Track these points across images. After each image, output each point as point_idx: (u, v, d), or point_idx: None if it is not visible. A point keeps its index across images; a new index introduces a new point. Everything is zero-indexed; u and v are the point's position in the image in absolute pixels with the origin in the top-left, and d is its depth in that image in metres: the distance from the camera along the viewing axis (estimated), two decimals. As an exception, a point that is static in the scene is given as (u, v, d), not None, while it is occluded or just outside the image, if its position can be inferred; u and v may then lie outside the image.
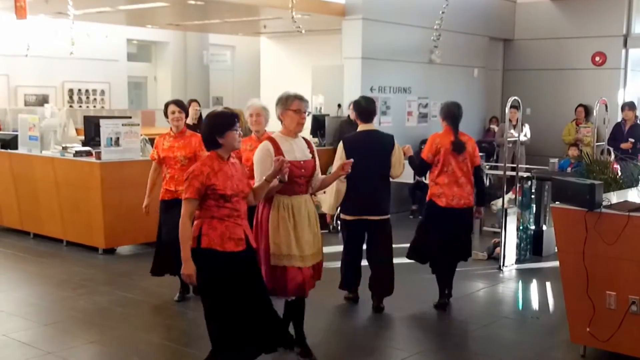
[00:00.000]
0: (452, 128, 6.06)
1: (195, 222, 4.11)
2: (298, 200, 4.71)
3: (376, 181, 5.90)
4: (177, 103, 6.31)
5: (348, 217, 6.01)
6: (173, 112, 6.18)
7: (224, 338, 4.16)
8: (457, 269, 6.34)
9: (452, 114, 6.10)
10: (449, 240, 6.10)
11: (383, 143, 5.94)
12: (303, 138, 4.93)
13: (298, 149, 4.78)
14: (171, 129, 6.24)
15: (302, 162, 4.73)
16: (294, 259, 4.66)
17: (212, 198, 4.07)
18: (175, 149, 6.13)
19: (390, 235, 6.04)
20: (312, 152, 4.90)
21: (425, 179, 9.05)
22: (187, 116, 6.42)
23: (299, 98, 4.80)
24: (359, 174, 5.68)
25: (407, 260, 6.43)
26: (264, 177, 4.40)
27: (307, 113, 4.86)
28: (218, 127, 4.14)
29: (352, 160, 4.84)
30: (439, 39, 10.98)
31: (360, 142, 5.92)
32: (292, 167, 4.54)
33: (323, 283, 6.97)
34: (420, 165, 6.21)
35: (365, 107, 6.00)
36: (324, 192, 9.78)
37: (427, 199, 6.19)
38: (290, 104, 4.77)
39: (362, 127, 5.99)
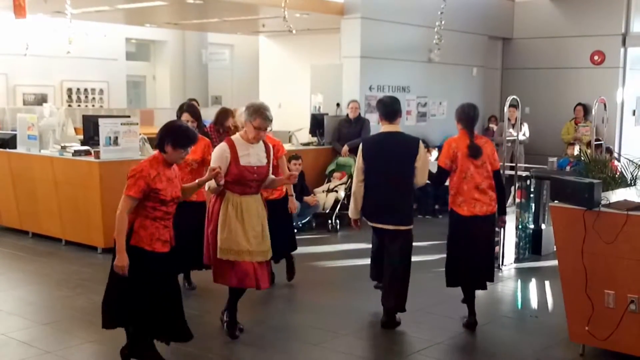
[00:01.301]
0: (468, 131, 5.67)
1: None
2: (247, 200, 5.12)
3: (394, 188, 5.51)
4: (191, 111, 6.26)
5: (369, 223, 5.69)
6: (186, 121, 6.01)
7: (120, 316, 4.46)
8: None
9: (467, 116, 5.68)
10: (473, 253, 5.65)
11: (406, 147, 5.53)
12: (264, 142, 5.26)
13: (254, 154, 5.15)
14: None
15: (255, 168, 5.12)
16: (241, 254, 5.04)
17: (151, 200, 4.31)
18: None
19: (405, 248, 5.59)
20: (268, 157, 5.24)
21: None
22: (199, 120, 6.37)
23: (264, 117, 5.09)
24: (376, 179, 5.54)
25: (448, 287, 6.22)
26: (197, 180, 4.88)
27: (268, 130, 5.23)
28: (177, 141, 4.37)
29: (296, 174, 5.31)
30: (441, 41, 10.92)
31: (380, 144, 5.59)
32: (244, 171, 5.06)
33: (322, 283, 7.02)
34: (438, 173, 5.74)
35: (389, 106, 5.62)
36: (323, 192, 9.85)
37: (449, 208, 5.77)
38: (254, 120, 5.09)
39: (385, 128, 5.61)
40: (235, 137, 5.21)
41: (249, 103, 5.21)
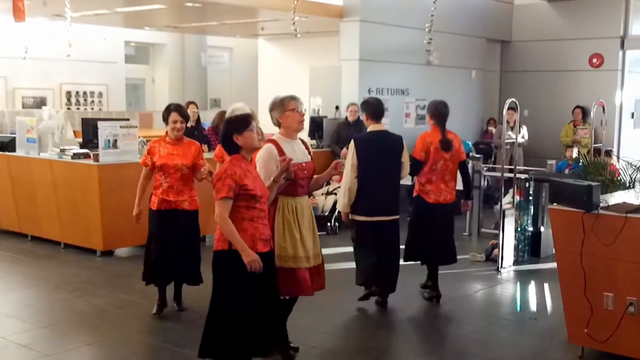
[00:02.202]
0: (440, 127, 6.17)
1: None
2: (301, 202, 4.78)
3: (387, 181, 5.91)
4: (180, 112, 5.84)
5: (359, 218, 5.93)
6: (175, 122, 5.78)
7: (229, 342, 4.13)
8: (456, 270, 6.34)
9: (439, 112, 6.23)
10: (436, 237, 6.23)
11: (394, 143, 5.97)
12: (299, 139, 4.99)
13: (299, 151, 4.84)
14: (167, 133, 5.88)
15: (304, 164, 4.80)
16: (300, 260, 4.72)
17: (242, 199, 4.10)
18: (175, 156, 5.76)
19: (398, 235, 6.06)
20: (309, 152, 4.98)
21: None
22: (187, 120, 5.98)
23: (294, 98, 4.89)
24: (370, 174, 5.83)
25: (406, 262, 6.42)
26: (272, 178, 4.45)
27: (303, 109, 4.93)
28: (238, 125, 4.16)
29: (342, 161, 5.09)
30: (430, 43, 10.93)
31: (371, 142, 5.93)
32: (296, 169, 4.67)
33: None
34: (413, 165, 6.17)
35: (376, 107, 6.01)
36: (322, 195, 9.85)
37: (415, 194, 6.28)
38: (287, 104, 4.83)
39: (372, 127, 5.98)
40: (276, 136, 4.87)
41: (271, 102, 4.86)
